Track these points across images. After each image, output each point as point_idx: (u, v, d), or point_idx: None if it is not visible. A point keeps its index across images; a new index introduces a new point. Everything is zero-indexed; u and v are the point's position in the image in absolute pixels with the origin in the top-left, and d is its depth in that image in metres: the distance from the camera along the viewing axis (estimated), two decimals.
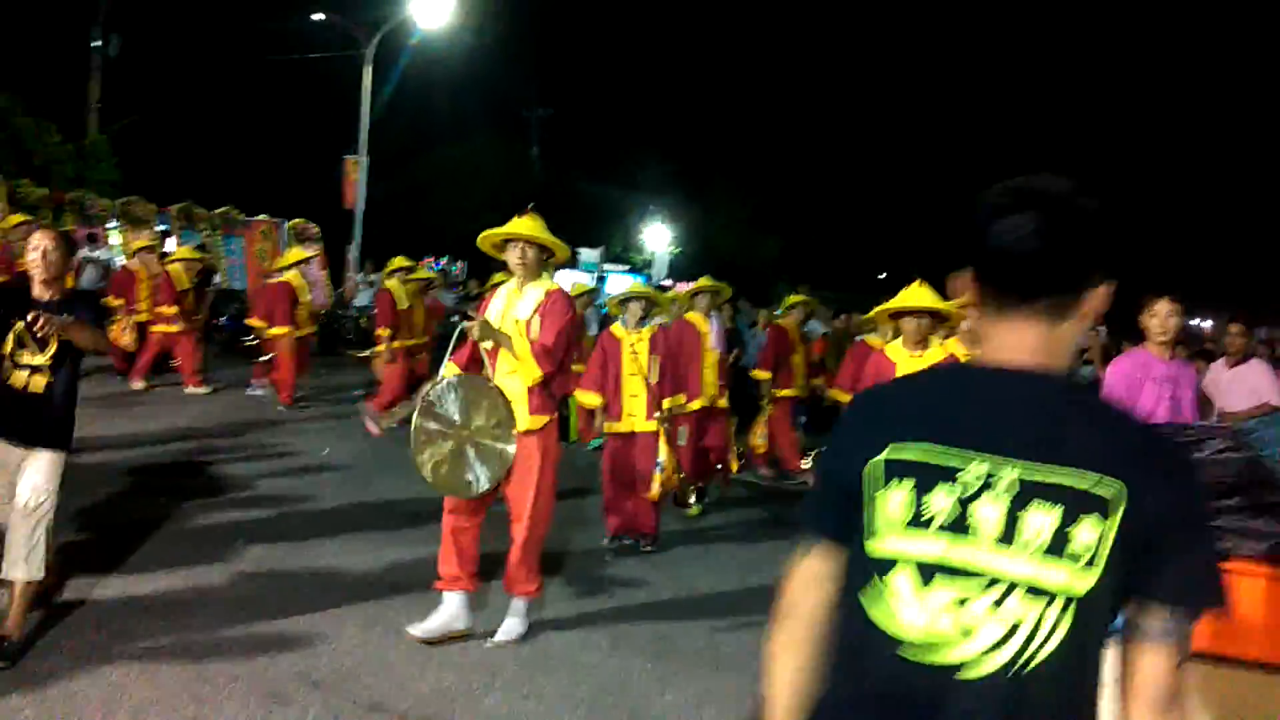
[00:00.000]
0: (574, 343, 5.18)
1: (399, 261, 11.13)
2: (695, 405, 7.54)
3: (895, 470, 1.41)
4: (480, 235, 4.85)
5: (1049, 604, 1.31)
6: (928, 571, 1.37)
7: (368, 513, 6.87)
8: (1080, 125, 35.48)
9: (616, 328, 6.95)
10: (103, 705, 3.75)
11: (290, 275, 11.46)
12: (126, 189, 20.98)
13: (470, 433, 4.50)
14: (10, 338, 4.11)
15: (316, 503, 7.07)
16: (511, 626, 4.78)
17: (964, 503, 1.37)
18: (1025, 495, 1.34)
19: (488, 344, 4.67)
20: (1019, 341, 1.44)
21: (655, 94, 40.80)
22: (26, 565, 4.09)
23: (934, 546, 1.37)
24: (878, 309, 5.91)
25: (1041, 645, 1.30)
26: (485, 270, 24.05)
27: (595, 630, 5.09)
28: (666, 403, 6.69)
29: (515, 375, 4.66)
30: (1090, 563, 1.31)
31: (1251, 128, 31.12)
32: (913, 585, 1.38)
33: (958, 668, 1.33)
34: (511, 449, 4.57)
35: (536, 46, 36.91)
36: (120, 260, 18.14)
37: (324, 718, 3.85)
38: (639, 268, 37.54)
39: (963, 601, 1.34)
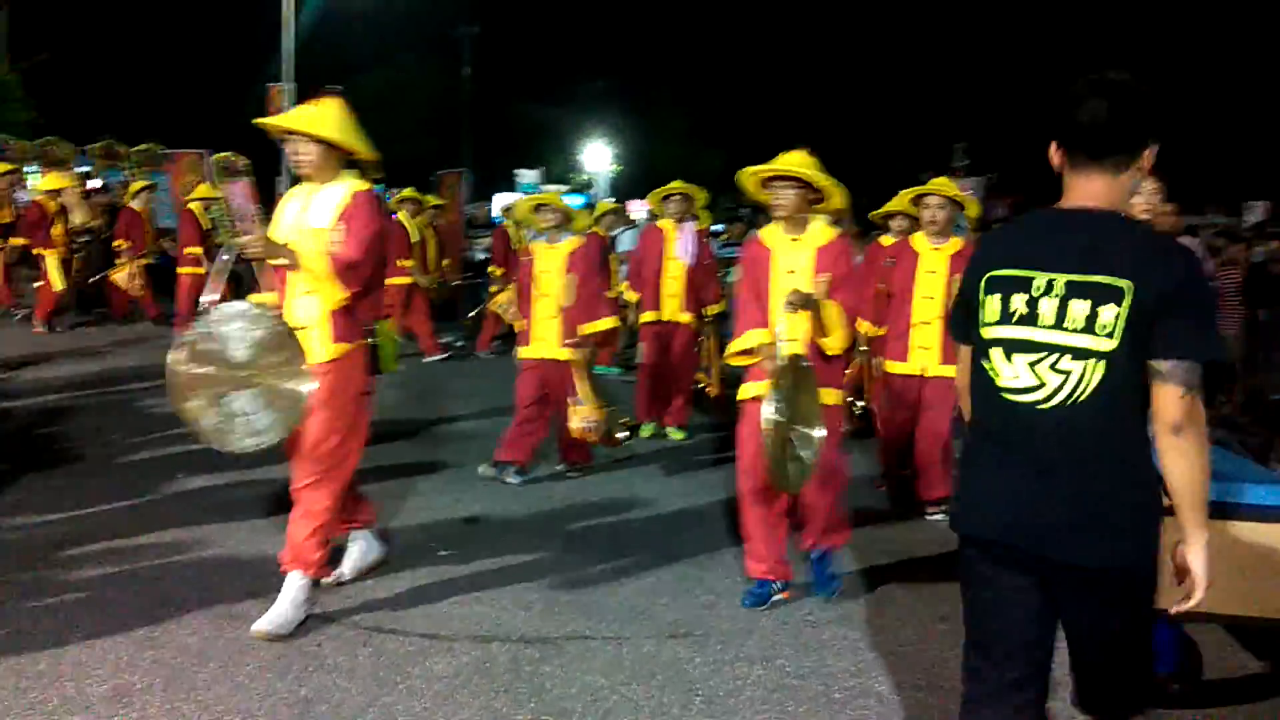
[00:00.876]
0: (397, 255, 5.00)
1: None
2: (607, 325, 6.18)
3: (991, 285, 2.25)
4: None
5: (1086, 360, 2.10)
6: (1011, 346, 2.20)
7: None
8: (1016, 29, 35.30)
9: (535, 243, 6.33)
10: (55, 634, 3.73)
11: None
12: (46, 130, 20.19)
13: (250, 373, 3.61)
14: None
15: None
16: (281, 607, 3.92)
17: (1031, 302, 2.17)
18: (1069, 294, 2.11)
19: (279, 261, 3.83)
20: (1091, 190, 2.19)
21: (590, 6, 39.89)
22: None
23: (1014, 331, 2.20)
24: (899, 197, 6.25)
25: (1084, 387, 2.10)
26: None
27: (551, 537, 5.16)
28: (585, 328, 5.94)
29: (313, 296, 3.88)
30: (1110, 334, 2.06)
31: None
32: (1003, 357, 2.22)
33: (1037, 402, 2.16)
34: (306, 388, 3.69)
35: None
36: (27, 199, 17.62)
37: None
38: (580, 188, 37.15)
39: (1034, 364, 2.17)
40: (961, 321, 2.37)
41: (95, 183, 18.97)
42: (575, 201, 32.18)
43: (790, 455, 3.85)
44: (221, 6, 26.91)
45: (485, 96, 35.84)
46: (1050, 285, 2.13)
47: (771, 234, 4.41)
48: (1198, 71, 31.24)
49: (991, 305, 2.23)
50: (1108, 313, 2.05)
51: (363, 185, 3.98)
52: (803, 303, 4.02)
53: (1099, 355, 2.07)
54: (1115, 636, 2.23)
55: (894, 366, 5.67)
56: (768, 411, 3.69)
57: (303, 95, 22.86)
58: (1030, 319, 2.16)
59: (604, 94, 39.64)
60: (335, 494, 4.00)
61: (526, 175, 29.76)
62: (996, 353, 2.22)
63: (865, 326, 5.88)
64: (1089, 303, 2.07)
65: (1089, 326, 2.07)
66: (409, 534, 5.05)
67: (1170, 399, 2.02)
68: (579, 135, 39.35)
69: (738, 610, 4.22)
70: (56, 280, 11.05)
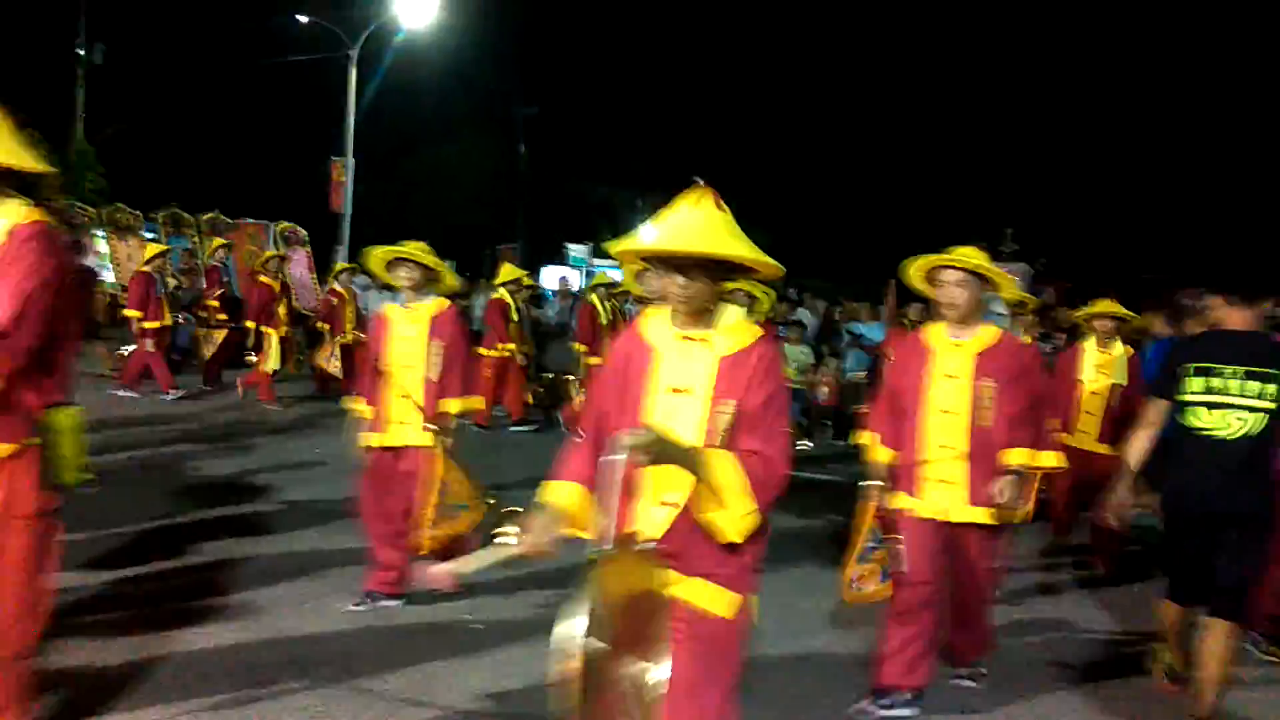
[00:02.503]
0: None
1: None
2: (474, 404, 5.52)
3: (1195, 371, 3.96)
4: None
5: (1253, 414, 3.87)
6: (1209, 405, 3.92)
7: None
8: (1066, 118, 35.48)
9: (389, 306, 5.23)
10: (98, 692, 3.79)
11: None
12: (114, 197, 21.04)
13: None
14: None
15: (304, 493, 7.14)
16: None
17: (1225, 380, 3.90)
18: (1244, 378, 3.88)
19: None
20: (1242, 319, 3.96)
21: (641, 88, 40.81)
22: None
23: (1215, 398, 3.92)
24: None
25: (1255, 428, 3.87)
26: (475, 268, 24.10)
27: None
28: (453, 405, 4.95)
29: None
30: (1269, 399, 3.86)
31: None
32: (1202, 410, 3.95)
33: (1223, 438, 3.91)
34: None
35: (521, 44, 37.01)
36: (109, 273, 18.26)
37: (311, 698, 3.90)
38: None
39: (1225, 415, 3.90)
40: (1164, 387, 4.11)
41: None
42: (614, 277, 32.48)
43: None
44: (288, 82, 27.97)
45: (539, 172, 36.71)
46: (1231, 374, 3.91)
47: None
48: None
49: (1194, 381, 3.97)
50: (1266, 390, 3.87)
51: (26, 215, 2.87)
52: (655, 449, 2.33)
53: (1263, 411, 3.88)
54: (1247, 551, 3.94)
55: (905, 503, 4.13)
56: (568, 631, 2.03)
57: (362, 169, 23.53)
58: (1220, 390, 3.93)
59: (652, 173, 40.38)
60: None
61: (576, 249, 30.27)
62: (1199, 408, 3.97)
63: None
64: (1256, 383, 3.88)
65: (1257, 395, 3.88)
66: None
67: None
68: (629, 211, 40.00)
69: None
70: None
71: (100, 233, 18.88)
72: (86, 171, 22.40)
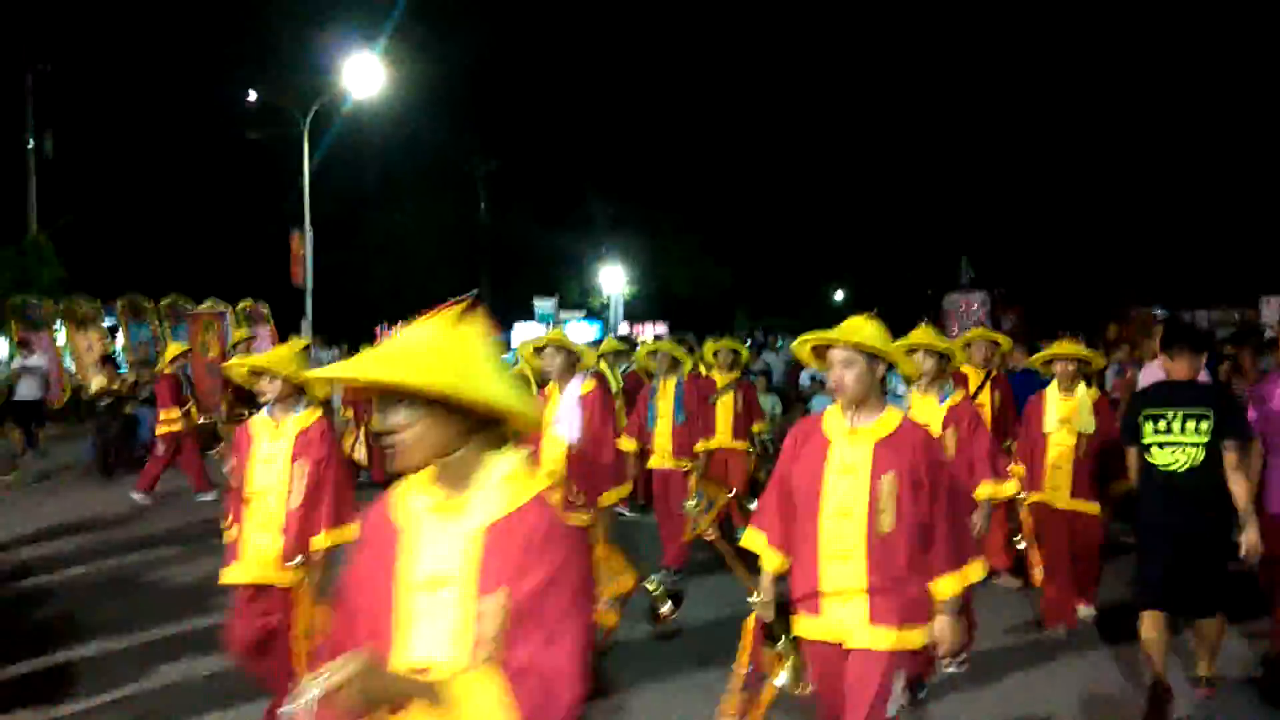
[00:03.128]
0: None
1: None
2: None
3: (1148, 417, 4.72)
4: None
5: (1197, 448, 4.59)
6: (1161, 445, 4.67)
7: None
8: (1018, 147, 36.13)
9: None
10: None
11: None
12: (72, 287, 20.84)
13: None
14: None
15: None
16: None
17: (1168, 423, 4.66)
18: (1185, 418, 4.62)
19: None
20: (1187, 369, 4.76)
21: (599, 134, 41.19)
22: None
23: (1163, 438, 4.67)
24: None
25: (1197, 460, 4.58)
26: None
27: None
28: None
29: None
30: (1205, 433, 4.58)
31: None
32: (1156, 450, 4.69)
33: (1173, 470, 4.64)
34: None
35: (475, 101, 37.25)
36: (70, 364, 18.06)
37: None
38: (596, 311, 37.65)
39: (1172, 451, 4.64)
40: (1130, 435, 4.82)
41: (119, 336, 19.51)
42: (591, 330, 32.41)
43: None
44: (241, 159, 28.01)
45: (503, 228, 36.77)
46: (1174, 415, 4.65)
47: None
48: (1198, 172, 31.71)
49: (1148, 426, 4.70)
50: (1202, 425, 4.58)
51: None
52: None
53: (1201, 444, 4.58)
54: (1207, 565, 4.64)
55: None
56: None
57: (322, 239, 23.44)
58: (1168, 430, 4.66)
59: (616, 218, 40.58)
60: None
61: (543, 303, 30.28)
62: (1154, 447, 4.68)
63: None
64: (1194, 421, 4.60)
65: (1196, 431, 4.59)
66: None
67: (1232, 458, 4.56)
68: (593, 260, 40.13)
69: None
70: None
71: (59, 324, 18.71)
72: (43, 264, 22.17)
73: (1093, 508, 5.89)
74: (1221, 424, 4.55)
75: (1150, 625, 4.66)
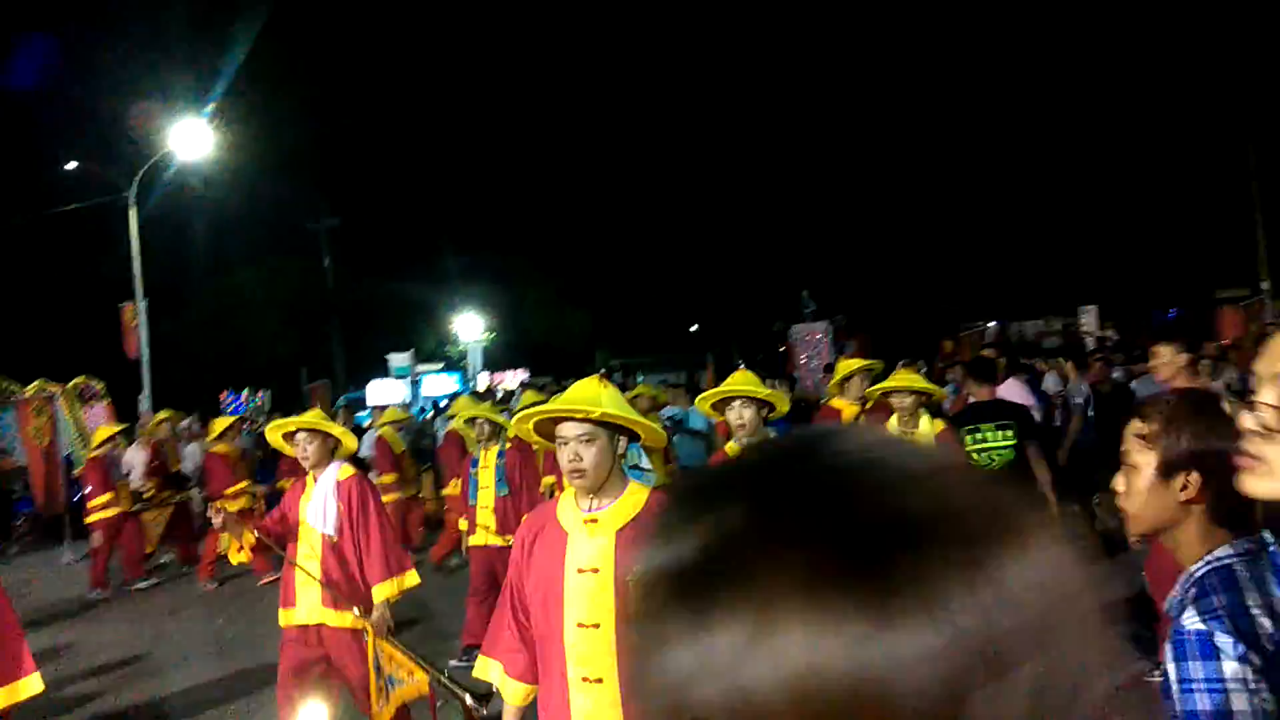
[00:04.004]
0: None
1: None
2: None
3: (967, 432, 5.82)
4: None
5: (1007, 449, 5.74)
6: (979, 453, 5.75)
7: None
8: (848, 180, 37.89)
9: None
10: None
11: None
12: None
13: None
14: None
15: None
16: None
17: (983, 434, 5.81)
18: (996, 428, 5.79)
19: None
20: (987, 392, 6.25)
21: (445, 183, 41.00)
22: None
23: (979, 446, 5.78)
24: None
25: (1008, 459, 5.71)
26: (295, 398, 23.35)
27: None
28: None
29: None
30: (1012, 438, 5.76)
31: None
32: (975, 456, 5.68)
33: (992, 470, 5.21)
34: None
35: (313, 159, 36.48)
36: None
37: None
38: (455, 362, 37.22)
39: (989, 455, 5.74)
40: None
41: None
42: (450, 382, 31.88)
43: None
44: (63, 231, 26.59)
45: (349, 284, 36.00)
46: (986, 427, 5.75)
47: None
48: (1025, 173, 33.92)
49: (969, 439, 5.69)
50: (1009, 434, 5.69)
51: None
52: None
53: (1008, 446, 5.68)
54: None
55: None
56: None
57: (159, 307, 22.40)
58: (984, 440, 5.73)
59: (469, 267, 40.35)
60: None
61: (398, 359, 29.70)
62: (973, 455, 5.60)
63: None
64: (999, 430, 5.71)
65: (1004, 437, 5.68)
66: None
67: (1031, 452, 5.78)
68: (448, 310, 39.73)
69: None
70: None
71: None
72: None
73: None
74: (1022, 430, 5.79)
75: None
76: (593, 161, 43.33)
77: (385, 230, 38.76)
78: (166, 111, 22.93)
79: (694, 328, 45.29)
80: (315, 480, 4.75)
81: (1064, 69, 34.24)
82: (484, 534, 6.81)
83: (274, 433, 4.92)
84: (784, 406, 4.47)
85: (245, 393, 23.47)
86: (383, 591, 4.56)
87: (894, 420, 5.57)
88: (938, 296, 29.66)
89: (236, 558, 4.84)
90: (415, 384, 29.50)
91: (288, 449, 4.88)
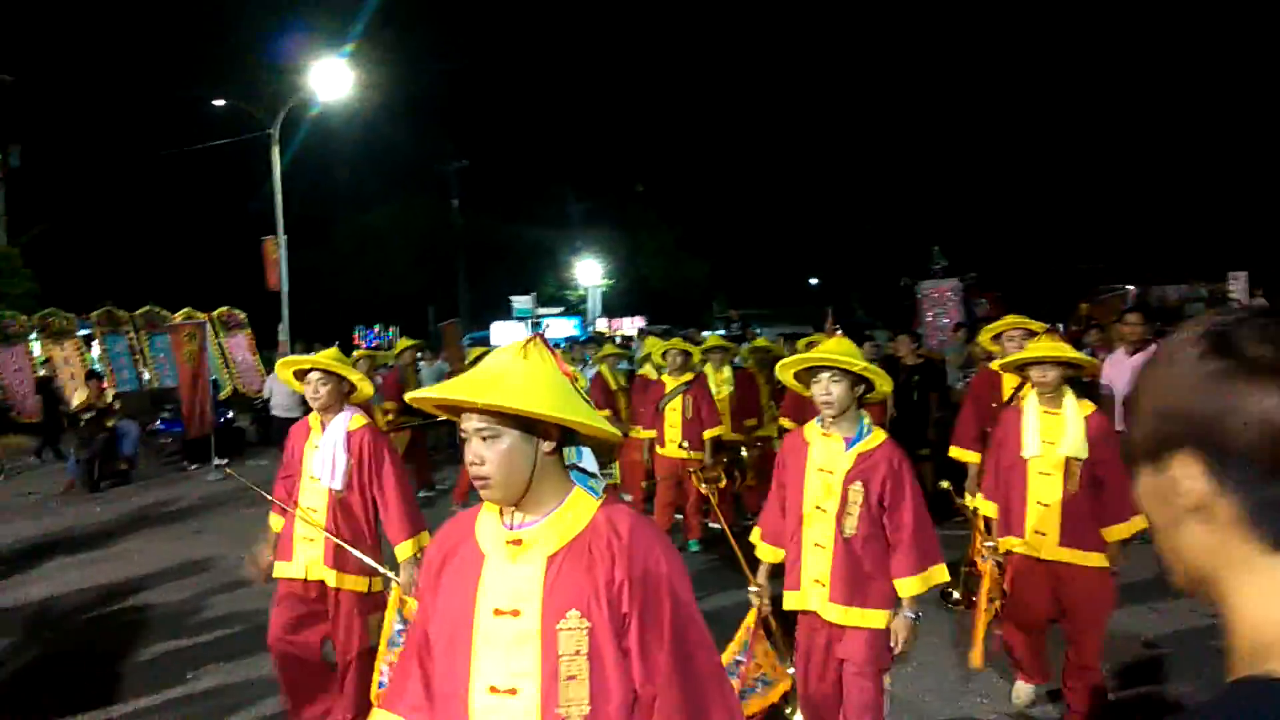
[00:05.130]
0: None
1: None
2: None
3: None
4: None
5: None
6: None
7: None
8: (982, 131, 36.41)
9: None
10: None
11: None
12: (46, 300, 20.72)
13: None
14: None
15: None
16: None
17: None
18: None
19: None
20: None
21: (571, 128, 41.22)
22: None
23: None
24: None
25: None
26: (423, 336, 24.06)
27: None
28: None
29: None
30: None
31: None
32: None
33: None
34: None
35: (446, 100, 37.18)
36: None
37: None
38: (573, 306, 37.72)
39: None
40: None
41: (96, 346, 19.43)
42: (569, 326, 32.39)
43: None
44: (210, 166, 27.85)
45: (476, 225, 36.74)
46: None
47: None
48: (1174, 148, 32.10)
49: None
50: None
51: None
52: None
53: None
54: None
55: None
56: None
57: (296, 242, 23.24)
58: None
59: (592, 213, 40.63)
60: None
61: (520, 301, 30.29)
62: None
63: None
64: None
65: None
66: None
67: None
68: (569, 254, 40.17)
69: None
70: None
71: (34, 338, 18.62)
72: (14, 277, 22.02)
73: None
74: None
75: None
76: (717, 109, 42.87)
77: (511, 174, 39.32)
78: (308, 52, 23.62)
79: (814, 281, 44.61)
80: (322, 428, 4.42)
81: (1218, 17, 32.05)
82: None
83: (285, 369, 4.59)
84: (885, 386, 3.65)
85: (377, 328, 24.32)
86: (405, 550, 4.26)
87: (1031, 397, 4.41)
88: (1075, 256, 28.42)
89: None
90: (536, 326, 30.04)
91: (297, 386, 4.57)
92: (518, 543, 1.94)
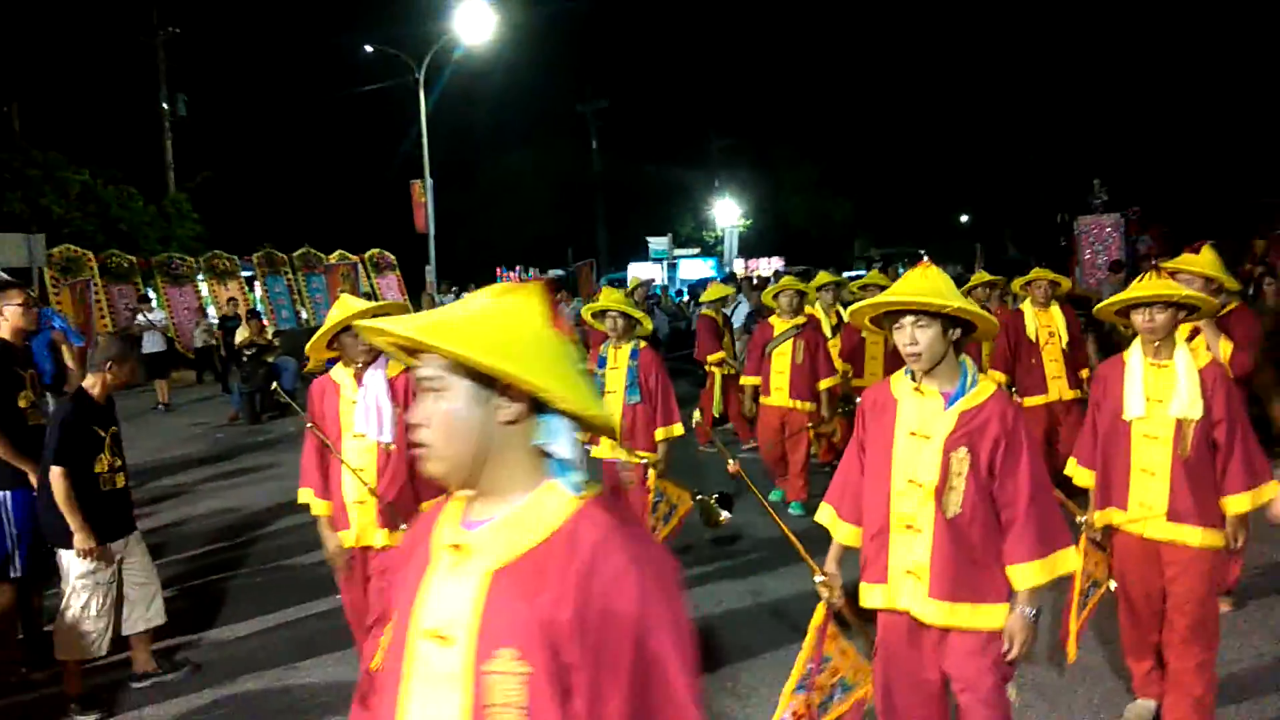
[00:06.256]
0: None
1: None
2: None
3: None
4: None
5: None
6: None
7: None
8: (1144, 60, 33.81)
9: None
10: None
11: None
12: (211, 243, 21.98)
13: None
14: (105, 451, 4.40)
15: None
16: None
17: None
18: None
19: None
20: None
21: (709, 67, 40.58)
22: (148, 617, 4.58)
23: None
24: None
25: None
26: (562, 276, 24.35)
27: None
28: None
29: None
30: None
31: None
32: None
33: None
34: None
35: (584, 40, 37.13)
36: (212, 316, 19.10)
37: None
38: (710, 247, 37.44)
39: None
40: None
41: (258, 287, 20.51)
42: (706, 266, 32.13)
43: None
44: (357, 111, 28.74)
45: (614, 166, 36.80)
46: None
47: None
48: None
49: None
50: None
51: None
52: None
53: None
54: None
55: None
56: None
57: (440, 185, 23.85)
58: None
59: (730, 151, 40.07)
60: None
61: (657, 242, 30.29)
62: None
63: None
64: None
65: None
66: None
67: None
68: (707, 194, 39.83)
69: None
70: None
71: (200, 278, 19.80)
72: (183, 221, 23.39)
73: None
74: None
75: None
76: (861, 38, 41.34)
77: (649, 114, 39.10)
78: None
79: (965, 218, 42.91)
80: (359, 381, 4.03)
81: None
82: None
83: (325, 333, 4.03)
84: (989, 327, 2.92)
85: (518, 269, 24.81)
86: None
87: (1136, 346, 3.63)
88: (1255, 188, 26.26)
89: None
90: (673, 267, 30.04)
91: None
92: (458, 547, 1.47)
